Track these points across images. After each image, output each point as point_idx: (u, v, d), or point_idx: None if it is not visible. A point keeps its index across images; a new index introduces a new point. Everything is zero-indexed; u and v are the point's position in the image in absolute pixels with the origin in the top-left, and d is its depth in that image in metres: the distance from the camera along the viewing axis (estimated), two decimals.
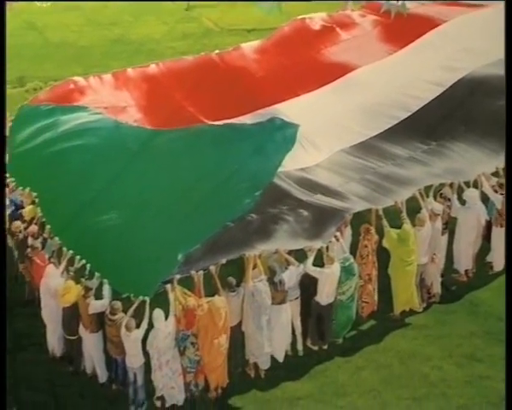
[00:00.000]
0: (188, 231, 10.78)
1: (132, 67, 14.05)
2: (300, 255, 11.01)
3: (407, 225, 11.56)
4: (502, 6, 12.05)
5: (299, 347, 11.23)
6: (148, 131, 12.20)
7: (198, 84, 13.17)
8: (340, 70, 13.57)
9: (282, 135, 11.90)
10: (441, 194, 12.28)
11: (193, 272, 10.45)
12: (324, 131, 12.20)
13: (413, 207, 11.75)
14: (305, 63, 13.70)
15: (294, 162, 11.67)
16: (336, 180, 11.70)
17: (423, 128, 12.91)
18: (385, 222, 11.48)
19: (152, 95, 13.11)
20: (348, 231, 11.68)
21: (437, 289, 12.28)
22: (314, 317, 11.19)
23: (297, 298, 11.07)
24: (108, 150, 11.92)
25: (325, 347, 11.29)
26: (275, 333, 10.85)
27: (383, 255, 11.62)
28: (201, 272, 10.46)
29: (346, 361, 11.14)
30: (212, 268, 10.52)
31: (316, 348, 11.30)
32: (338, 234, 11.21)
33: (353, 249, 11.48)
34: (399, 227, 11.51)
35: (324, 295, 11.04)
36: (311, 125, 12.04)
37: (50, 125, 12.58)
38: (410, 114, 13.05)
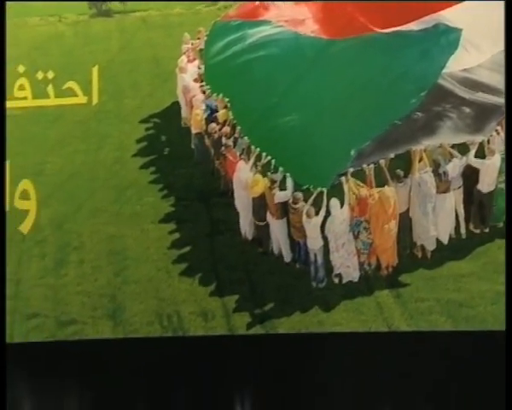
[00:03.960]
0: (360, 129, 11.22)
1: None
2: (463, 148, 11.27)
3: None
4: None
5: (463, 230, 11.53)
6: (324, 40, 12.51)
7: None
8: None
9: (446, 39, 11.94)
10: None
11: (365, 166, 10.97)
12: (486, 34, 12.04)
13: None
14: None
15: (457, 64, 11.74)
16: (497, 78, 11.63)
17: None
18: None
19: (327, 8, 13.25)
20: None
21: None
22: (476, 204, 11.47)
23: (460, 187, 11.36)
24: (289, 59, 12.38)
25: (486, 230, 11.53)
26: (439, 219, 11.24)
27: None
28: (372, 166, 10.98)
29: None
30: (382, 162, 11.00)
31: (478, 231, 11.56)
32: (499, 128, 11.29)
33: None
34: None
35: (485, 184, 11.25)
36: (473, 29, 12.00)
37: (239, 39, 13.13)
38: None
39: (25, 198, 11.26)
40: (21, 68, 11.54)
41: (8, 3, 11.41)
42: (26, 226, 11.17)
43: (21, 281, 11.17)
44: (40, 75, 11.48)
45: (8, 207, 11.18)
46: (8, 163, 11.17)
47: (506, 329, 8.60)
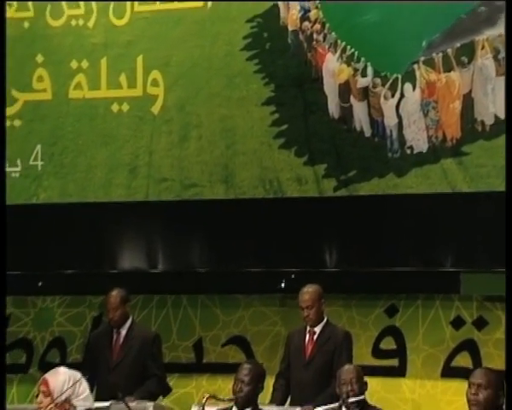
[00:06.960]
0: (430, 23, 12.46)
1: None
2: None
3: None
4: None
5: None
6: None
7: None
8: None
9: None
10: None
11: (434, 55, 12.23)
12: None
13: None
14: None
15: None
16: None
17: None
18: None
19: None
20: None
21: None
22: None
23: None
24: None
25: None
26: (498, 97, 12.09)
27: None
28: (440, 55, 12.21)
29: None
30: (449, 51, 12.20)
31: None
32: None
33: None
34: None
35: None
36: None
37: None
38: None
39: (155, 85, 12.81)
40: None
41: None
42: (156, 108, 12.75)
43: (153, 152, 12.85)
44: None
45: (141, 93, 12.91)
46: (141, 57, 12.82)
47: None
